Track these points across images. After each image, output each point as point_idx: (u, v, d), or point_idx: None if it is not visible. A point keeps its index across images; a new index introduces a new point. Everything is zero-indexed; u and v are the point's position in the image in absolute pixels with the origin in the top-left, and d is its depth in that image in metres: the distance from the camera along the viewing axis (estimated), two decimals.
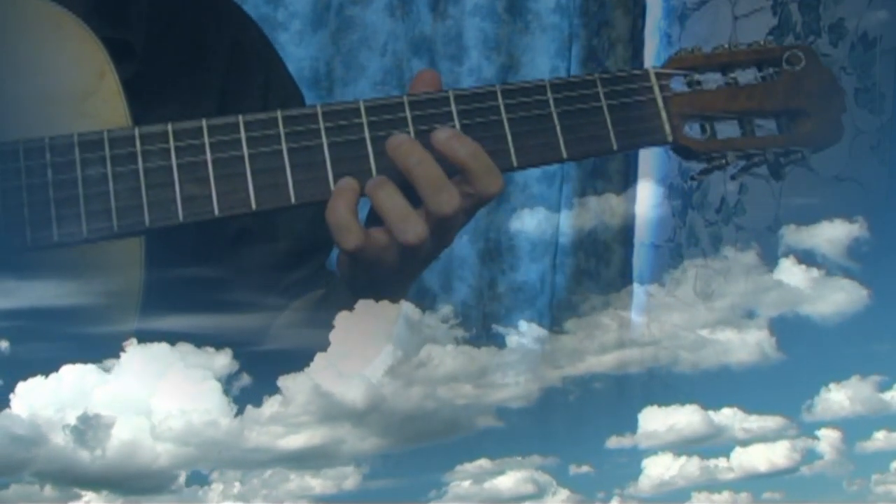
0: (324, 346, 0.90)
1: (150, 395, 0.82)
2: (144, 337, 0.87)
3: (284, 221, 1.14)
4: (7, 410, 0.81)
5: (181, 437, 0.81)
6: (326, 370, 0.85)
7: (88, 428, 0.80)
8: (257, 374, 0.86)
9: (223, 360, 0.85)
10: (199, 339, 0.89)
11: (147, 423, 0.81)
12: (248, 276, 1.11)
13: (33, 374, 0.82)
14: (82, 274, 0.87)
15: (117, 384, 0.82)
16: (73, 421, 0.80)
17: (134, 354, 0.83)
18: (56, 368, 0.83)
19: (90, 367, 0.82)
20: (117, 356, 0.84)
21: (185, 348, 0.85)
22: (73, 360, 0.84)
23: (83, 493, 0.81)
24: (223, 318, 1.02)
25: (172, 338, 0.87)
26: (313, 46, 2.26)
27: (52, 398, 0.81)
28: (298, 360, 1.03)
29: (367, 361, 0.86)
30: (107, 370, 0.82)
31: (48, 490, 0.80)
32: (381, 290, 0.92)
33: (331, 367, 0.85)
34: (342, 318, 0.88)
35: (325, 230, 0.97)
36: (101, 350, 0.85)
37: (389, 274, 0.91)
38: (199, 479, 0.83)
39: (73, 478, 0.80)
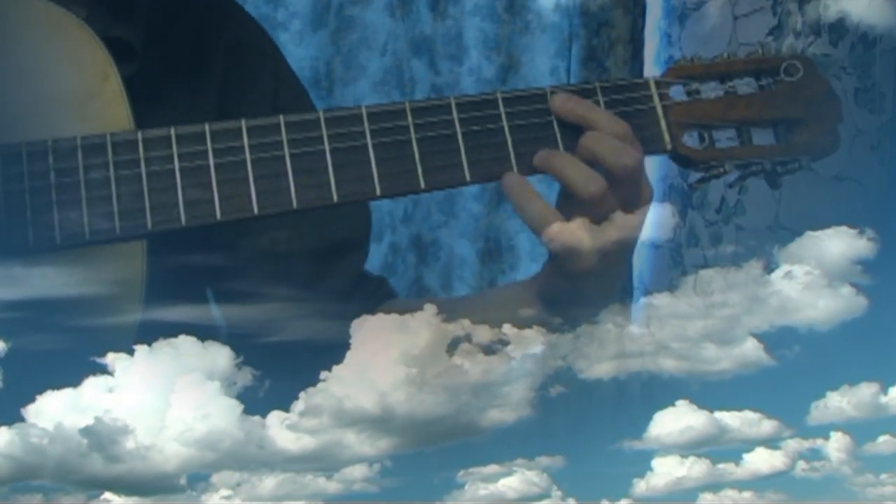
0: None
1: (166, 399, 0.82)
2: (151, 328, 0.88)
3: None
4: (25, 417, 0.81)
5: (196, 441, 0.82)
6: (339, 375, 0.85)
7: (105, 433, 0.80)
8: (263, 366, 0.86)
9: (239, 364, 0.85)
10: (206, 330, 0.89)
11: (163, 426, 0.81)
12: (255, 264, 1.11)
13: (40, 367, 0.83)
14: (84, 263, 0.87)
15: (133, 389, 0.82)
16: (90, 426, 0.81)
17: (148, 358, 0.84)
18: (64, 361, 0.83)
19: (106, 371, 0.83)
20: (124, 349, 0.84)
21: (199, 350, 0.85)
22: (81, 352, 0.84)
23: (101, 496, 0.81)
24: (230, 309, 1.02)
25: (179, 329, 0.88)
26: (313, 46, 2.26)
27: (69, 403, 0.81)
28: (306, 354, 1.04)
29: (381, 370, 0.86)
30: (122, 375, 0.83)
31: (66, 493, 0.81)
32: (583, 297, 0.95)
33: (344, 373, 0.85)
34: (359, 325, 0.89)
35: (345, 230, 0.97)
36: (108, 341, 0.85)
37: (587, 277, 0.93)
38: (212, 482, 0.83)
39: (91, 482, 0.80)
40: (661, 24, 2.40)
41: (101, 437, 0.81)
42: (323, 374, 0.86)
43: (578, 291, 0.95)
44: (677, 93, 0.96)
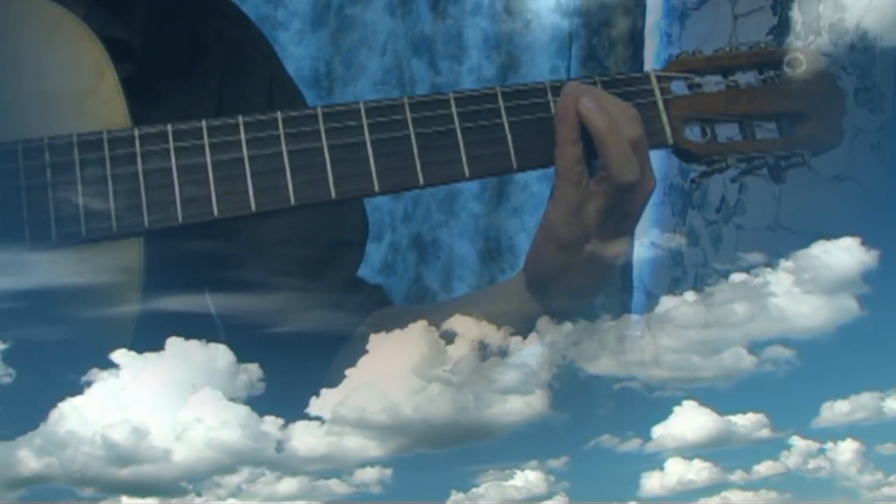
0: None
1: (176, 401, 0.82)
2: (150, 319, 0.87)
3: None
4: (36, 418, 0.81)
5: (208, 444, 0.81)
6: (351, 380, 0.85)
7: (118, 435, 0.80)
8: (257, 360, 0.86)
9: (244, 362, 0.85)
10: (205, 321, 0.88)
11: (174, 429, 0.81)
12: (251, 256, 1.10)
13: (41, 360, 0.82)
14: (81, 253, 0.86)
15: (144, 391, 0.82)
16: (102, 428, 0.80)
17: (157, 360, 0.83)
18: (64, 353, 0.83)
19: (114, 368, 0.83)
20: (124, 340, 0.84)
21: (205, 350, 0.85)
22: (80, 344, 0.84)
23: (114, 499, 0.81)
24: (234, 299, 1.02)
25: (178, 319, 0.87)
26: (313, 46, 2.26)
27: (80, 406, 0.81)
28: (300, 349, 1.03)
29: (391, 375, 0.86)
30: (132, 377, 0.82)
31: (79, 497, 0.81)
32: (571, 279, 0.95)
33: (356, 378, 0.85)
34: (371, 331, 0.89)
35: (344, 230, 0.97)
36: (107, 332, 0.85)
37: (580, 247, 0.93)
38: (223, 484, 0.83)
39: (105, 484, 0.80)
40: (661, 23, 2.40)
41: (113, 439, 0.80)
42: (335, 379, 0.86)
43: (567, 270, 0.95)
44: (679, 87, 0.96)
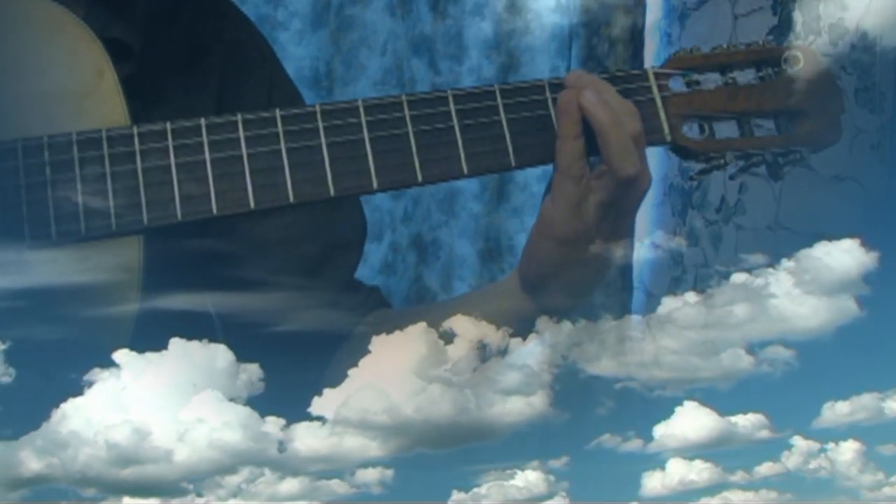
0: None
1: (183, 401, 0.82)
2: (149, 318, 0.87)
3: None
4: (38, 419, 0.81)
5: (209, 444, 0.81)
6: (352, 381, 0.85)
7: (121, 435, 0.80)
8: (255, 359, 0.86)
9: (252, 367, 0.85)
10: (207, 321, 0.88)
11: (178, 429, 0.81)
12: (259, 250, 1.10)
13: (40, 359, 0.83)
14: (80, 251, 0.86)
15: (149, 390, 0.82)
16: (104, 429, 0.80)
17: (162, 360, 0.83)
18: (65, 352, 0.83)
19: (115, 368, 0.82)
20: (123, 339, 0.84)
21: (206, 351, 0.85)
22: (79, 343, 0.84)
23: (115, 499, 0.81)
24: (232, 298, 1.02)
25: (178, 318, 0.87)
26: (313, 46, 2.27)
27: (82, 406, 0.81)
28: (298, 348, 1.03)
29: (393, 375, 0.86)
30: (133, 378, 0.82)
31: (81, 497, 0.81)
32: (568, 277, 0.95)
33: (357, 378, 0.85)
34: (380, 341, 0.89)
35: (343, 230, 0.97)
36: (107, 331, 0.85)
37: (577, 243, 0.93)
38: (224, 485, 0.83)
39: (107, 484, 0.80)
40: (661, 24, 2.40)
41: (114, 440, 0.80)
42: (332, 378, 0.86)
43: (564, 267, 0.95)
44: (677, 84, 0.96)
